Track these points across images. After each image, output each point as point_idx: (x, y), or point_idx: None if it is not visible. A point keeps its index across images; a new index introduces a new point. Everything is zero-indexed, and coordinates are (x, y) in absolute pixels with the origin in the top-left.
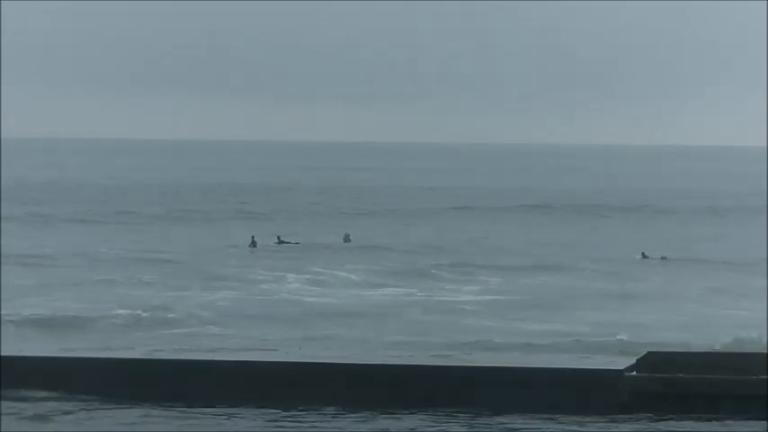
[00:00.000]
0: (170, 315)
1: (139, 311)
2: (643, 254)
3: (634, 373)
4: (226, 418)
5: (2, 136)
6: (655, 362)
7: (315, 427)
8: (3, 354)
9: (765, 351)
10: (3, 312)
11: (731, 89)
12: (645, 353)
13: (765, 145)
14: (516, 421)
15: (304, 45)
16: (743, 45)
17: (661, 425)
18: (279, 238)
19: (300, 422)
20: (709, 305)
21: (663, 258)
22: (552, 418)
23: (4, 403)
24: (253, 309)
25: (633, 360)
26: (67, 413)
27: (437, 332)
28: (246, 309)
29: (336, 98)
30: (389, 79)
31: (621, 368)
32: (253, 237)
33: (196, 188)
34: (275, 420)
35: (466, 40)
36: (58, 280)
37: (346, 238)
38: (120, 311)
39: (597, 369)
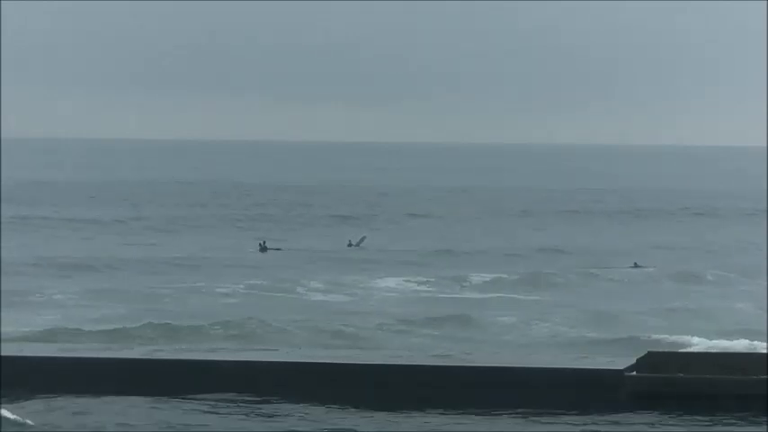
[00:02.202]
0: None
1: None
2: (635, 263)
3: (634, 373)
4: (226, 418)
5: (2, 136)
6: (655, 362)
7: (315, 426)
8: (3, 354)
9: (765, 351)
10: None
11: (731, 89)
12: (645, 353)
13: (765, 145)
14: (516, 421)
15: (304, 45)
16: (743, 45)
17: (661, 425)
18: (262, 244)
19: (300, 422)
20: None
21: (654, 268)
22: (552, 419)
23: (5, 403)
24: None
25: (633, 360)
26: (68, 413)
27: None
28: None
29: (336, 98)
30: (389, 79)
31: (621, 368)
32: (263, 242)
33: (195, 189)
34: (275, 420)
35: (466, 40)
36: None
37: (359, 242)
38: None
39: (597, 369)
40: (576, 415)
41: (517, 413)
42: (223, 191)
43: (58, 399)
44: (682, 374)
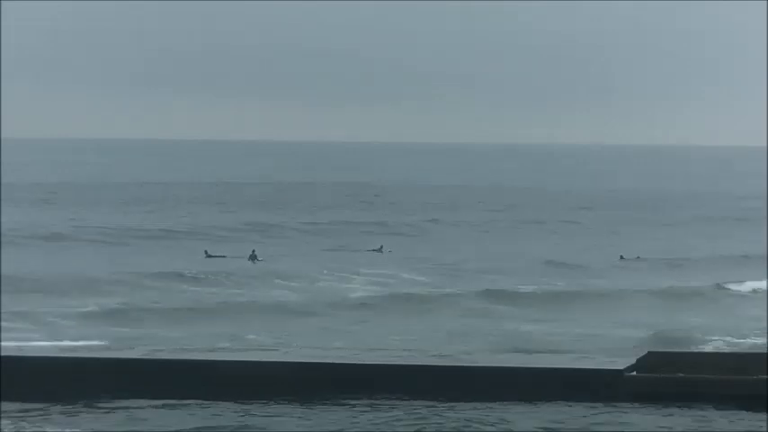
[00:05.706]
0: None
1: None
2: (621, 256)
3: (634, 373)
4: (225, 417)
5: (2, 136)
6: (655, 362)
7: (315, 426)
8: (3, 354)
9: (765, 351)
10: None
11: (731, 89)
12: (645, 353)
13: (765, 145)
14: (516, 421)
15: (305, 46)
16: (743, 45)
17: (661, 424)
18: (206, 252)
19: (300, 422)
20: None
21: (638, 258)
22: (552, 418)
23: (4, 403)
24: None
25: (633, 360)
26: (68, 413)
27: None
28: None
29: (338, 98)
30: (390, 79)
31: (621, 368)
32: (253, 250)
33: (194, 190)
34: (275, 420)
35: (466, 40)
36: None
37: (379, 249)
38: None
39: (597, 369)
40: (576, 414)
41: (517, 412)
42: (218, 194)
43: (58, 399)
44: (682, 374)
